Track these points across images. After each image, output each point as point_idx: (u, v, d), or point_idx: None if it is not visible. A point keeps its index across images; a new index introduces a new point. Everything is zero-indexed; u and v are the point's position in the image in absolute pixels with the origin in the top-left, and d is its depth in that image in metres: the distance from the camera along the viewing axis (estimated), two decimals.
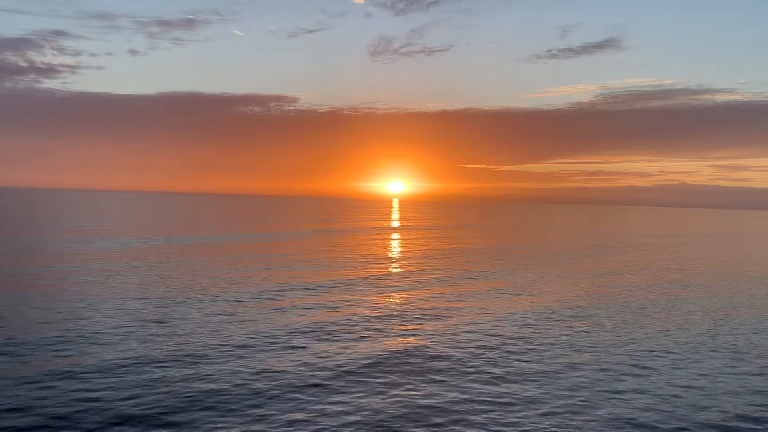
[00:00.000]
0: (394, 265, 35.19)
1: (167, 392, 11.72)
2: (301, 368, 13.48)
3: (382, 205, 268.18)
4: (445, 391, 12.39)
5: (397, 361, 14.36)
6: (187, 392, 11.76)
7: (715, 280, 31.78)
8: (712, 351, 16.20)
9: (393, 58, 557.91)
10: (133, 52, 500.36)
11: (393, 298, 23.04)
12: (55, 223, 63.70)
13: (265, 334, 16.37)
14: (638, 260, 41.95)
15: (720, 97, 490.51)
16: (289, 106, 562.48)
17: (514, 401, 11.90)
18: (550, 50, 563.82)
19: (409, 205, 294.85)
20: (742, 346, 16.88)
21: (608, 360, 14.94)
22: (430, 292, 24.81)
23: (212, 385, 12.15)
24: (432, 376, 13.25)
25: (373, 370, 13.60)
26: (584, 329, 18.28)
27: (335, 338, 16.27)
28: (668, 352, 15.86)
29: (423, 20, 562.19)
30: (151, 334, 15.95)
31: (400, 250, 46.32)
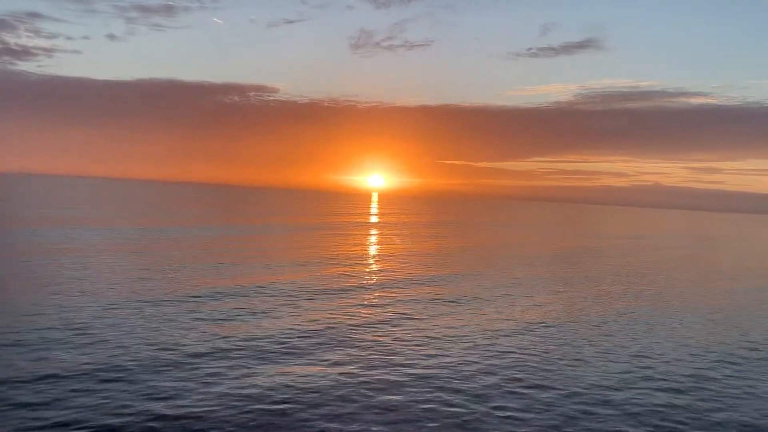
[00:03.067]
0: (358, 264, 34.39)
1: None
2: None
3: (360, 199, 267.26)
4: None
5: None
6: None
7: (674, 286, 31.48)
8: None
9: (374, 52, 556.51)
10: (111, 37, 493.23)
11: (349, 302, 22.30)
12: (9, 211, 61.95)
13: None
14: (608, 264, 41.68)
15: (695, 100, 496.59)
16: (268, 96, 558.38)
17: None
18: (530, 48, 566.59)
19: (388, 199, 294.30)
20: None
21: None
22: (376, 297, 24.07)
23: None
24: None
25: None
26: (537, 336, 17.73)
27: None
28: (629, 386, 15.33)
29: (405, 14, 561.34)
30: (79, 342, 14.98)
31: (370, 249, 45.53)
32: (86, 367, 13.16)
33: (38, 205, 77.38)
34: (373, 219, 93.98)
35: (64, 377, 12.49)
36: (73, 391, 11.81)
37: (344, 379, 13.39)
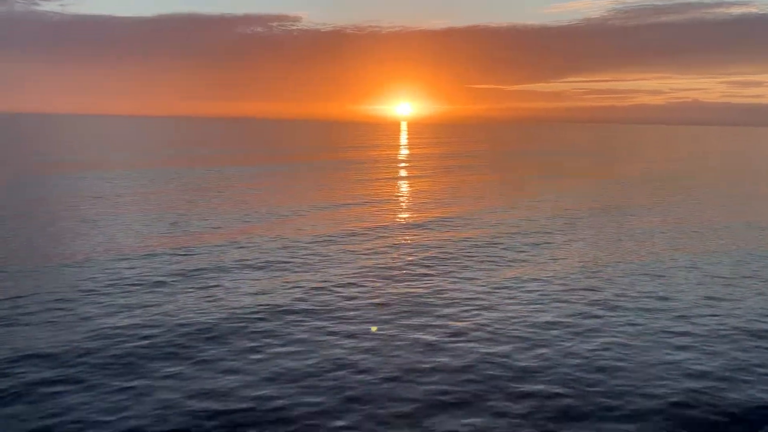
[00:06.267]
0: (391, 202, 32.85)
1: None
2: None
3: (388, 129, 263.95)
4: None
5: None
6: None
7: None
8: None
9: None
10: None
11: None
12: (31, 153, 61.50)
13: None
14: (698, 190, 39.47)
15: (735, 10, 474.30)
16: (291, 25, 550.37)
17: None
18: None
19: (417, 128, 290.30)
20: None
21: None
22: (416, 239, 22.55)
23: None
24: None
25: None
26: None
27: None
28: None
29: None
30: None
31: (402, 185, 43.91)
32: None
33: (78, 146, 77.07)
34: (404, 151, 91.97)
35: None
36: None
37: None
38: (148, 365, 11.02)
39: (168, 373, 10.69)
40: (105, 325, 12.97)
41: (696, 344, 12.51)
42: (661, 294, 16.06)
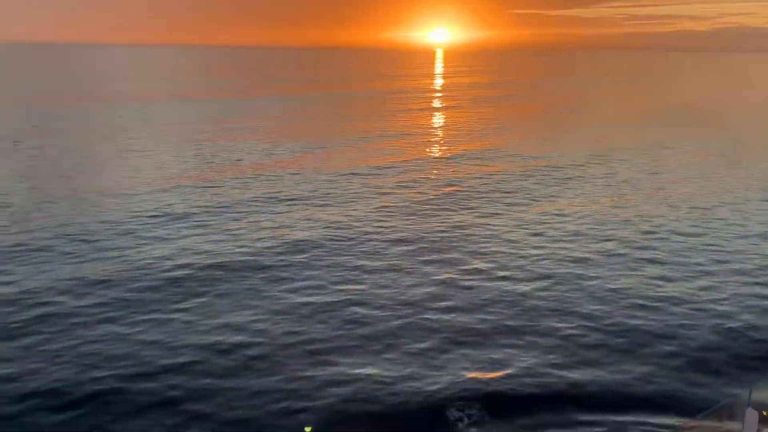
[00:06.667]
0: (428, 134, 32.22)
1: None
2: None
3: (423, 57, 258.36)
4: None
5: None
6: None
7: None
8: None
9: None
10: None
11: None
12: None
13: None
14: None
15: None
16: None
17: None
18: None
19: (454, 56, 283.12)
20: None
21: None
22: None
23: None
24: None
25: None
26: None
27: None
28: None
29: None
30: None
31: (440, 118, 43.01)
32: None
33: (118, 76, 77.11)
34: (438, 81, 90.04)
35: None
36: None
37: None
38: (166, 298, 11.08)
39: (185, 307, 10.73)
40: (128, 258, 13.06)
41: (730, 284, 12.08)
42: (696, 231, 15.51)
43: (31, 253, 13.43)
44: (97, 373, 8.59)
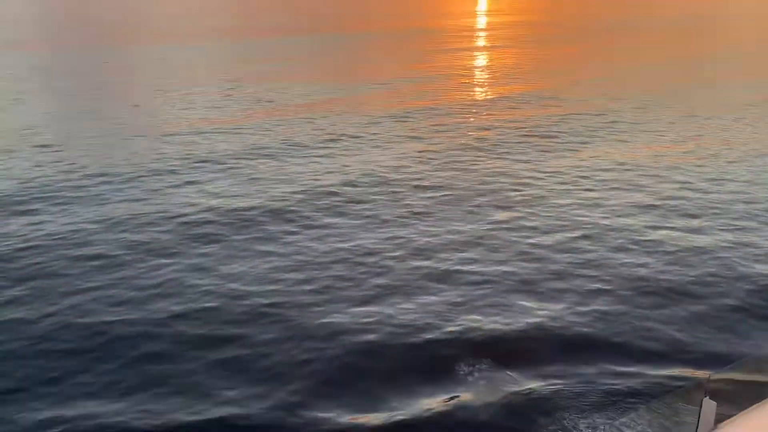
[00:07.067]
0: (471, 76, 31.41)
1: None
2: None
3: None
4: None
5: None
6: None
7: None
8: None
9: None
10: None
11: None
12: None
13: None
14: None
15: None
16: None
17: None
18: None
19: None
20: None
21: None
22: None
23: None
24: None
25: None
26: None
27: None
28: None
29: None
30: None
31: (482, 59, 41.87)
32: None
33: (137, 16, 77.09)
34: (481, 19, 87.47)
35: None
36: None
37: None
38: (180, 247, 11.10)
39: (200, 254, 10.77)
40: (150, 202, 13.17)
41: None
42: (738, 183, 14.81)
43: (55, 195, 13.64)
44: (106, 317, 8.70)
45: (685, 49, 48.18)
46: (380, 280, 9.84)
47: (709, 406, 2.95)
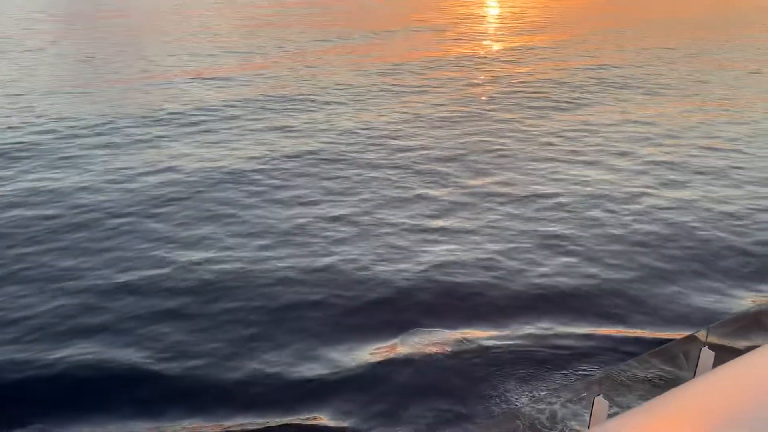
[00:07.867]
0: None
1: None
2: None
3: None
4: None
5: None
6: None
7: None
8: None
9: None
10: None
11: None
12: None
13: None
14: None
15: None
16: None
17: None
18: None
19: None
20: None
21: None
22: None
23: None
24: None
25: None
26: None
27: None
28: None
29: None
30: None
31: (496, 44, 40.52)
32: None
33: None
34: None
35: None
36: None
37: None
38: (153, 211, 10.68)
39: (171, 220, 10.35)
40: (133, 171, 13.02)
41: None
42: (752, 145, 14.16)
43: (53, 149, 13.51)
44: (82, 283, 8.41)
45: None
46: (381, 247, 9.34)
47: (601, 404, 3.04)
